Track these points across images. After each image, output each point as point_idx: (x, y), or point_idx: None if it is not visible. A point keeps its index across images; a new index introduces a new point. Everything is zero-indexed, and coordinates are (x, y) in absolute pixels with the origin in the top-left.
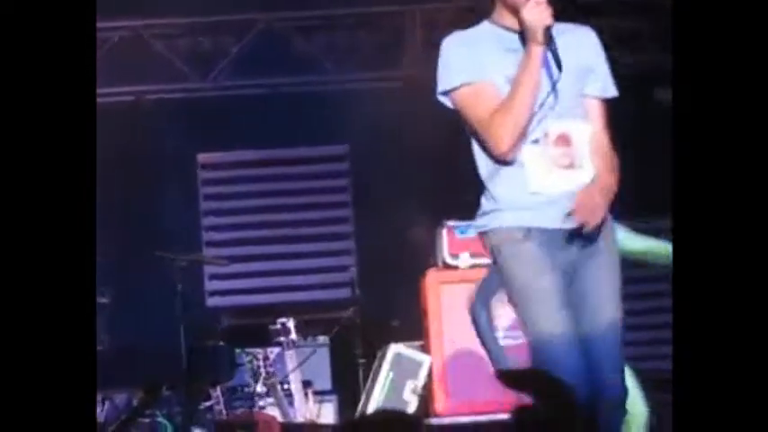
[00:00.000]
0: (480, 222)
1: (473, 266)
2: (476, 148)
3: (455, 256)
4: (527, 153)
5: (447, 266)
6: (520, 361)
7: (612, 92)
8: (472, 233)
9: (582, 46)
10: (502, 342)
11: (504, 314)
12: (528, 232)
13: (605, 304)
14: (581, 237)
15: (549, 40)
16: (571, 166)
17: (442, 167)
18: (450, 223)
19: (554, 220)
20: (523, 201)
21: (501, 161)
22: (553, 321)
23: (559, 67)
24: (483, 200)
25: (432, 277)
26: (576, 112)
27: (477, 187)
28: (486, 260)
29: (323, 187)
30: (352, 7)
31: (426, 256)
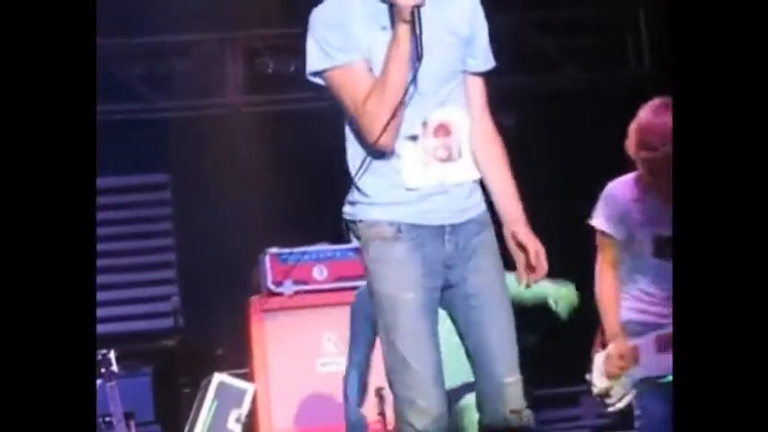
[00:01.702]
0: (347, 211)
1: (296, 293)
2: (348, 134)
3: (278, 283)
4: (404, 148)
5: (270, 294)
6: None
7: (491, 63)
8: (294, 261)
9: (463, 14)
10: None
11: None
12: (398, 230)
13: (493, 305)
14: None
15: (413, 22)
16: (449, 158)
17: (264, 195)
18: (274, 250)
19: (427, 215)
20: (396, 196)
21: (374, 152)
22: (415, 339)
23: (419, 56)
24: (353, 189)
25: (255, 305)
26: (458, 95)
27: (301, 215)
28: (309, 287)
29: (143, 216)
30: (171, 35)
31: (250, 284)
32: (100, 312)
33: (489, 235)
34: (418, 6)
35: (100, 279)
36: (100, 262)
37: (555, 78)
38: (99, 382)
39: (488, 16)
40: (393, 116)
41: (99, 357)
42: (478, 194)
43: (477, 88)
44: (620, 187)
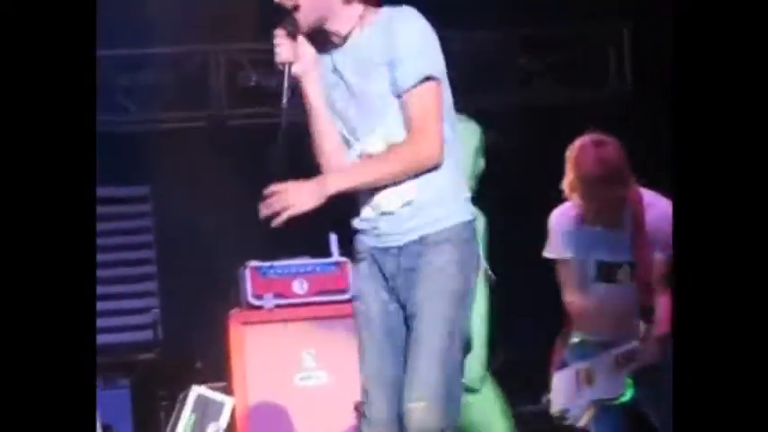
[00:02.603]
0: None
1: (277, 307)
2: None
3: (259, 296)
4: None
5: (250, 307)
6: None
7: (419, 74)
8: (275, 274)
9: (378, 41)
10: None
11: None
12: (359, 251)
13: (426, 329)
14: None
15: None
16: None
17: (245, 208)
18: (254, 264)
19: (375, 239)
20: (362, 217)
21: None
22: (365, 348)
23: (280, 102)
24: None
25: (235, 318)
26: (392, 121)
27: (282, 228)
28: (289, 300)
29: (125, 228)
30: (154, 47)
31: (230, 297)
32: None
33: (438, 256)
34: (286, 63)
35: None
36: None
37: (536, 95)
38: None
39: (471, 32)
40: (326, 159)
41: None
42: (425, 215)
43: (409, 107)
44: (563, 214)
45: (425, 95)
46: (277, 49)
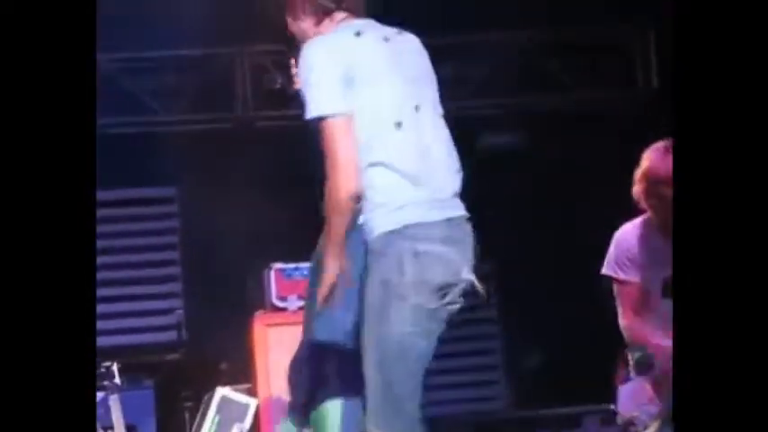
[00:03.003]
0: None
1: (301, 309)
2: None
3: (283, 298)
4: None
5: (275, 309)
6: None
7: (312, 112)
8: (299, 276)
9: None
10: None
11: None
12: None
13: (364, 336)
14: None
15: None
16: None
17: (270, 210)
18: (279, 266)
19: None
20: None
21: None
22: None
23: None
24: None
25: (259, 320)
26: None
27: (306, 230)
28: None
29: (150, 229)
30: (180, 49)
31: (254, 299)
32: (104, 324)
33: (368, 269)
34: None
35: (105, 291)
36: (106, 274)
37: (563, 97)
38: (101, 394)
39: (497, 35)
40: None
41: (102, 370)
42: (368, 224)
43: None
44: (629, 231)
45: (324, 135)
46: (294, 78)
